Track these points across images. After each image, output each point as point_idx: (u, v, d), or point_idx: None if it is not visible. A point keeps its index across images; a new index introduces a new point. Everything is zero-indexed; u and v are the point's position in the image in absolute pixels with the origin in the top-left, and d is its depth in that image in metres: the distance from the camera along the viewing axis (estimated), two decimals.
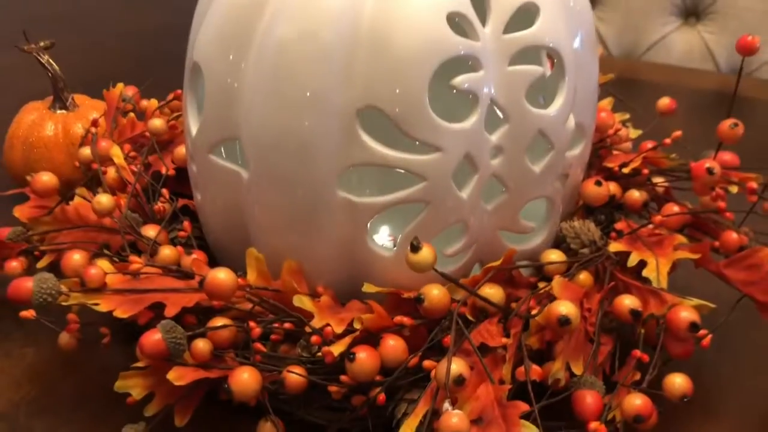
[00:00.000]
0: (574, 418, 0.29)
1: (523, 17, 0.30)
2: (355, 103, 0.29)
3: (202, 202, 0.36)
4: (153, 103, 0.45)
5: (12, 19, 0.91)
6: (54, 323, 0.33)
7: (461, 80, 0.29)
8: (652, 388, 0.29)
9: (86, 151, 0.42)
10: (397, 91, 0.28)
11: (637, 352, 0.30)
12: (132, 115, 0.45)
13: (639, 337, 0.31)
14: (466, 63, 0.29)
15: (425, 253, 0.27)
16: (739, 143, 0.36)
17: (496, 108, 0.30)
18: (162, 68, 0.66)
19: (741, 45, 0.34)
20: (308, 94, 0.29)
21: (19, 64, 0.73)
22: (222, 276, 0.29)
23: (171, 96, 0.45)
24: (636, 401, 0.28)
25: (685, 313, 0.30)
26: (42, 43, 0.48)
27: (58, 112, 0.48)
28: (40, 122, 0.47)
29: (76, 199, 0.37)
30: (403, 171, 0.30)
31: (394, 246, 0.32)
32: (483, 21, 0.30)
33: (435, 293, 0.28)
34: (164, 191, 0.38)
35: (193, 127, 0.34)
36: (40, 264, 0.36)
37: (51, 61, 0.47)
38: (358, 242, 0.31)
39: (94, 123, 0.45)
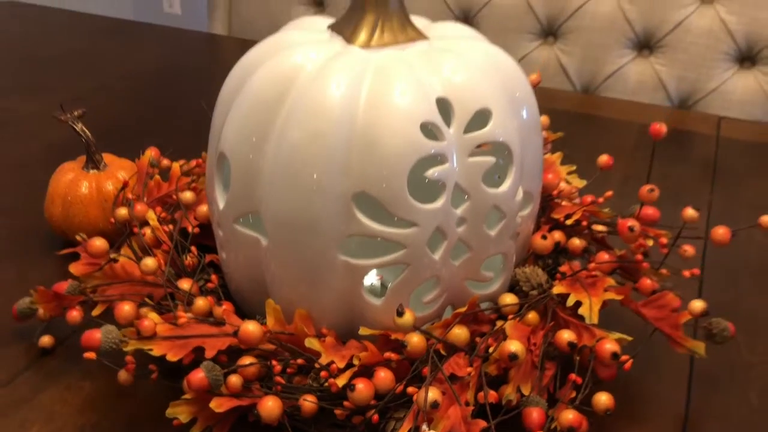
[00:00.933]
0: (524, 430, 0.38)
1: (480, 118, 0.39)
2: (351, 189, 0.37)
3: (227, 260, 0.44)
4: (176, 167, 0.53)
5: (9, 61, 0.98)
6: (110, 362, 0.41)
7: (431, 172, 0.38)
8: (584, 404, 0.38)
9: (122, 212, 0.50)
10: (384, 185, 0.37)
11: (573, 376, 0.39)
12: (157, 177, 0.53)
13: (575, 363, 0.40)
14: (436, 158, 0.38)
15: (407, 317, 0.36)
16: (677, 177, 0.45)
17: (460, 189, 0.39)
18: (169, 112, 0.73)
19: (652, 130, 0.43)
20: (316, 181, 0.38)
21: (40, 111, 0.81)
22: (252, 328, 0.37)
23: (194, 164, 0.53)
24: (569, 415, 0.37)
25: (609, 344, 0.39)
26: (76, 113, 0.56)
27: (91, 171, 0.56)
28: (76, 182, 0.55)
29: (122, 258, 0.45)
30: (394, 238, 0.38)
31: (381, 282, 0.40)
32: (448, 123, 0.38)
33: (415, 340, 0.37)
34: (193, 248, 0.46)
35: (221, 201, 0.42)
36: (94, 312, 0.44)
37: (84, 128, 0.55)
38: (354, 294, 0.40)
39: (125, 184, 0.53)
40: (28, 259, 0.56)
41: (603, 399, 0.38)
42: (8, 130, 0.78)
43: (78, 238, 0.48)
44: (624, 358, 0.39)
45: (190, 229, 0.48)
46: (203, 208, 0.49)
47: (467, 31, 0.45)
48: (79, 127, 0.55)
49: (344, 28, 0.42)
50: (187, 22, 2.14)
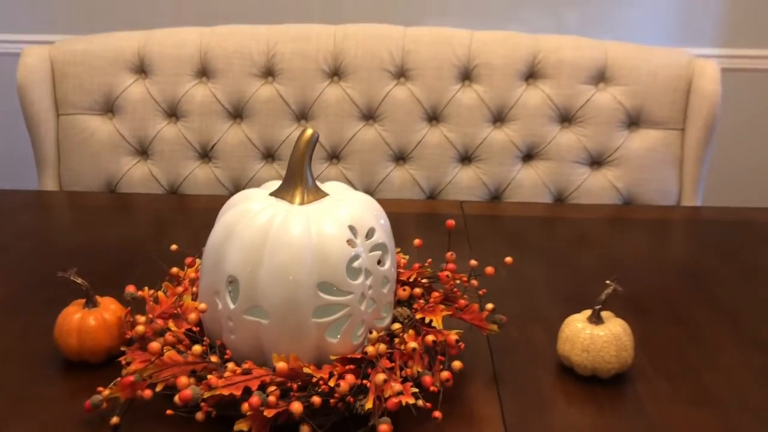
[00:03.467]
0: (427, 390, 0.73)
1: (370, 233, 0.74)
2: (315, 281, 0.70)
3: (235, 339, 0.73)
4: (162, 295, 0.80)
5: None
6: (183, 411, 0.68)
7: (356, 264, 0.72)
8: (447, 369, 0.74)
9: (140, 328, 0.76)
10: (333, 275, 0.70)
11: (440, 357, 0.75)
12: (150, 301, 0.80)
13: (439, 349, 0.76)
14: (356, 257, 0.72)
15: (371, 348, 0.69)
16: (443, 241, 0.84)
17: (367, 271, 0.74)
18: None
19: (447, 224, 0.82)
20: (295, 282, 0.70)
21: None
22: (281, 365, 0.67)
23: (180, 289, 0.81)
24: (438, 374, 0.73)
25: (452, 336, 0.76)
26: (74, 271, 0.80)
27: (92, 309, 0.80)
28: (84, 318, 0.79)
29: (167, 351, 0.72)
30: (338, 302, 0.72)
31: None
32: (356, 237, 0.73)
33: (371, 349, 0.71)
34: (206, 339, 0.74)
35: (231, 304, 0.72)
36: (158, 389, 0.70)
37: (84, 281, 0.80)
38: (322, 339, 0.72)
39: (128, 312, 0.79)
40: (48, 379, 0.78)
41: (456, 363, 0.75)
42: None
43: (125, 349, 0.73)
44: (461, 344, 0.77)
45: (193, 328, 0.76)
46: (192, 317, 0.77)
47: (343, 186, 0.81)
48: (79, 280, 0.80)
49: (284, 195, 0.75)
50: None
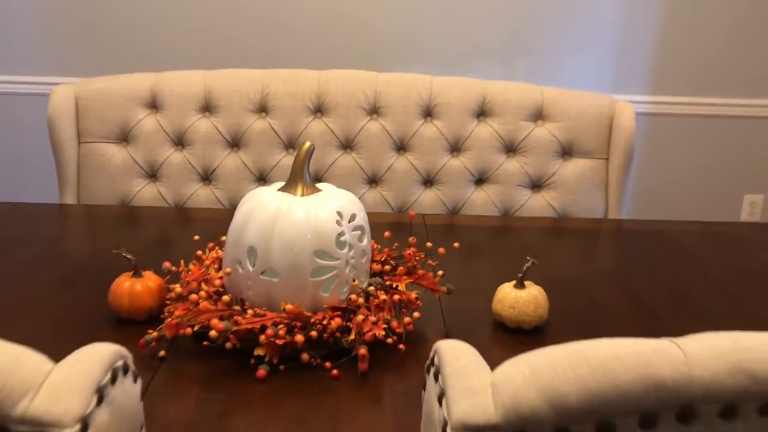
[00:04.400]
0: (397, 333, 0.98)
1: (352, 217, 1.01)
2: (313, 249, 0.97)
3: (252, 295, 0.99)
4: (194, 267, 1.05)
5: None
6: (215, 344, 0.92)
7: (343, 238, 0.99)
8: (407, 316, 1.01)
9: (178, 288, 1.01)
10: (326, 245, 0.97)
11: (405, 310, 1.01)
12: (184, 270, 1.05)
13: (403, 305, 1.02)
14: (342, 232, 0.99)
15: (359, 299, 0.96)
16: (421, 241, 1.11)
17: (350, 245, 1.00)
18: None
19: (410, 215, 1.09)
20: (299, 251, 0.96)
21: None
22: (289, 306, 0.93)
23: (209, 255, 1.06)
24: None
25: (413, 294, 1.02)
26: (124, 248, 1.05)
27: (138, 278, 1.05)
28: (133, 285, 1.04)
29: (202, 302, 0.97)
30: (329, 265, 0.98)
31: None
32: (342, 219, 1.00)
33: (353, 297, 0.97)
34: (229, 294, 1.00)
35: (250, 267, 0.97)
36: (195, 329, 0.95)
37: (132, 257, 1.05)
38: (317, 293, 0.98)
39: (167, 279, 1.04)
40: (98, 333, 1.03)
41: (415, 313, 1.01)
42: None
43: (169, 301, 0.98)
44: (419, 302, 1.03)
45: (219, 288, 1.01)
46: (218, 281, 1.03)
47: (332, 186, 1.08)
48: (129, 256, 1.05)
49: (288, 190, 1.02)
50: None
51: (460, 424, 0.49)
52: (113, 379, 0.52)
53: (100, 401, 0.50)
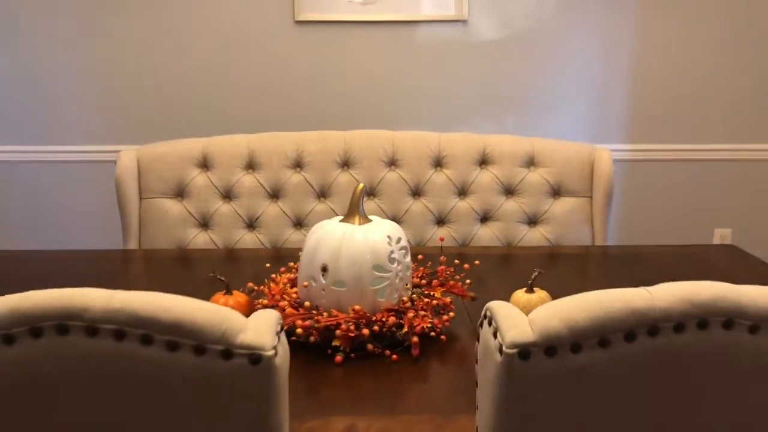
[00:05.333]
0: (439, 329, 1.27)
1: (399, 241, 1.31)
2: (371, 264, 1.26)
3: (326, 303, 1.27)
4: (274, 287, 1.34)
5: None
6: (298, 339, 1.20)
7: (393, 255, 1.28)
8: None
9: (264, 301, 1.29)
10: (380, 261, 1.26)
11: (442, 311, 1.30)
12: (266, 289, 1.33)
13: (440, 309, 1.31)
14: (392, 252, 1.28)
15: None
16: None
17: (397, 260, 1.29)
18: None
19: (440, 238, 1.39)
20: (361, 266, 1.25)
21: None
22: (357, 307, 1.22)
23: (281, 278, 1.35)
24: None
25: (447, 299, 1.31)
26: (218, 272, 1.33)
27: (229, 296, 1.33)
28: (226, 300, 1.32)
29: (288, 309, 1.24)
30: (384, 276, 1.27)
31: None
32: (391, 242, 1.29)
33: (405, 298, 1.25)
34: (307, 303, 1.28)
35: (324, 281, 1.26)
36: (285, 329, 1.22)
37: (225, 278, 1.33)
38: (375, 298, 1.26)
39: (253, 297, 1.32)
40: None
41: (451, 313, 1.29)
42: None
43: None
44: (452, 306, 1.32)
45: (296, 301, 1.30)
46: (293, 294, 1.31)
47: (378, 218, 1.37)
48: (223, 278, 1.33)
49: (348, 221, 1.32)
50: None
51: (512, 343, 0.78)
52: (281, 329, 0.81)
53: (278, 339, 0.78)
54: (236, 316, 0.77)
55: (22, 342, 0.73)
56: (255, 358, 0.74)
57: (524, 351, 0.77)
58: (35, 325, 0.73)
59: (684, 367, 0.79)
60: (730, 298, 0.78)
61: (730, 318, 0.78)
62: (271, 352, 0.76)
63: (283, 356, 0.79)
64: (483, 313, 0.88)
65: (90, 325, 0.73)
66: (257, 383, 0.75)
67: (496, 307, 0.86)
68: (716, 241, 3.05)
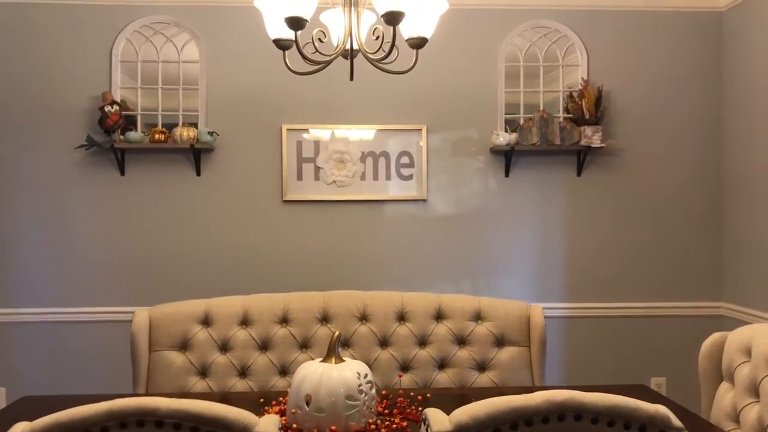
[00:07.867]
0: None
1: (368, 378, 1.70)
2: (344, 395, 1.64)
3: (309, 425, 1.63)
4: (268, 410, 1.70)
5: None
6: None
7: (360, 387, 1.67)
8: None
9: (268, 408, 1.65)
10: (351, 392, 1.65)
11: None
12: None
13: None
14: (361, 386, 1.67)
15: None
16: None
17: (365, 392, 1.67)
18: None
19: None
20: (335, 396, 1.63)
21: None
22: (333, 427, 1.58)
23: (272, 409, 1.71)
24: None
25: (404, 424, 1.68)
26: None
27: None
28: None
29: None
30: (354, 404, 1.64)
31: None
32: (360, 376, 1.68)
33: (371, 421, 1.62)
34: (295, 425, 1.64)
35: (307, 408, 1.63)
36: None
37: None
38: (348, 422, 1.63)
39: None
40: None
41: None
42: None
43: None
44: (408, 429, 1.69)
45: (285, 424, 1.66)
46: (284, 420, 1.67)
47: (350, 359, 1.77)
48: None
49: (327, 360, 1.71)
50: None
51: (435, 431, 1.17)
52: (281, 427, 1.20)
53: None
54: (253, 416, 1.16)
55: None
56: None
57: None
58: (122, 420, 1.11)
59: None
60: (578, 399, 1.19)
61: (578, 413, 1.18)
62: None
63: None
64: (422, 417, 1.28)
65: (159, 419, 1.11)
66: None
67: (429, 411, 1.26)
68: (654, 388, 3.43)
